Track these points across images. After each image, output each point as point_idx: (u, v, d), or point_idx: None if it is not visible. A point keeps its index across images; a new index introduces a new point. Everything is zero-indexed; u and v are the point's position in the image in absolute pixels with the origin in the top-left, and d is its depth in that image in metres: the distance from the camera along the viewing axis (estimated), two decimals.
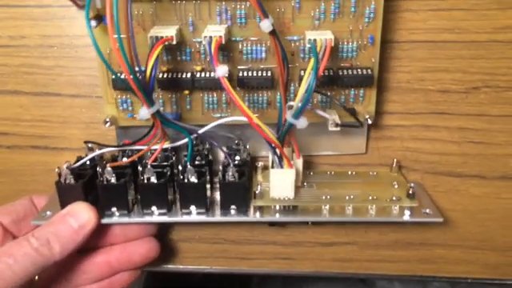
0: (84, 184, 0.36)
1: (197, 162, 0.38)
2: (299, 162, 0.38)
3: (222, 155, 0.40)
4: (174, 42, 0.34)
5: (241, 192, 0.36)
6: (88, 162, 0.37)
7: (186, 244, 0.46)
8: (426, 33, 0.38)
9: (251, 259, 0.46)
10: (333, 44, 0.33)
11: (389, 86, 0.40)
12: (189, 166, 0.36)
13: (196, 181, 0.36)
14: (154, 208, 0.37)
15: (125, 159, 0.38)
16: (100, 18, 0.34)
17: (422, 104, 0.40)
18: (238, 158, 0.38)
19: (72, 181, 0.35)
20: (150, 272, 0.47)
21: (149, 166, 0.36)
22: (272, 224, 0.44)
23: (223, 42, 0.33)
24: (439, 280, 0.47)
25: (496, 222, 0.44)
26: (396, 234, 0.45)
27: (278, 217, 0.37)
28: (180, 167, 0.36)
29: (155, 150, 0.36)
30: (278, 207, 0.37)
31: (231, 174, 0.36)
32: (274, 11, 0.35)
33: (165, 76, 0.36)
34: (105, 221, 0.37)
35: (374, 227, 0.44)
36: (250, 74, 0.37)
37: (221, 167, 0.37)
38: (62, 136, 0.42)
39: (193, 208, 0.37)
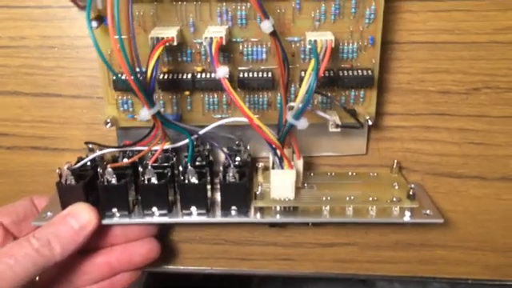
0: (85, 185, 0.36)
1: (197, 163, 0.38)
2: (300, 163, 0.38)
3: (222, 156, 0.40)
4: (175, 43, 0.34)
5: (241, 193, 0.36)
6: (89, 163, 0.37)
7: (186, 245, 0.46)
8: (426, 34, 0.38)
9: (252, 260, 0.46)
10: (333, 45, 0.33)
11: (389, 86, 0.40)
12: (189, 167, 0.36)
13: (197, 181, 0.36)
14: (154, 209, 0.37)
15: (125, 160, 0.38)
16: (101, 18, 0.34)
17: (422, 105, 0.40)
18: (238, 158, 0.38)
19: (73, 181, 0.35)
20: (151, 273, 0.47)
21: (149, 167, 0.36)
22: (272, 225, 0.44)
23: (224, 42, 0.33)
24: (439, 281, 0.47)
25: (496, 223, 0.44)
26: (396, 234, 0.45)
27: (278, 218, 0.37)
28: (181, 168, 0.36)
29: (156, 150, 0.36)
30: (278, 208, 0.37)
31: (232, 175, 0.36)
32: (274, 12, 0.35)
33: (165, 77, 0.36)
34: (105, 221, 0.37)
35: (374, 228, 0.44)
36: (250, 74, 0.37)
37: (221, 168, 0.37)
38: (62, 137, 0.42)
39: (193, 209, 0.37)
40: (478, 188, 0.43)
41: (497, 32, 0.38)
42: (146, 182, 0.36)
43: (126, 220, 0.37)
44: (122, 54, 0.30)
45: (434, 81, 0.40)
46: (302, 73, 0.36)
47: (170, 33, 0.34)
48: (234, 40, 0.36)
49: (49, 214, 0.37)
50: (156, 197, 0.37)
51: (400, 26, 0.38)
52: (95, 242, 0.38)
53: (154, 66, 0.32)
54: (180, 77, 0.37)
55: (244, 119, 0.33)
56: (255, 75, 0.37)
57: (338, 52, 0.37)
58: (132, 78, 0.30)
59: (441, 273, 0.46)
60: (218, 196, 0.37)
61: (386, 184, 0.40)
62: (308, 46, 0.34)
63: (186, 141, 0.36)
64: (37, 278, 0.36)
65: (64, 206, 0.36)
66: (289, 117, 0.33)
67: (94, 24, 0.34)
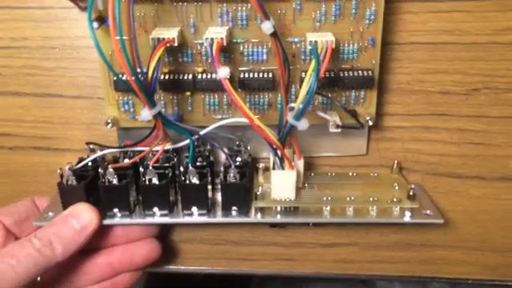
0: (86, 185, 0.36)
1: (198, 163, 0.38)
2: (300, 163, 0.38)
3: (223, 156, 0.40)
4: (176, 44, 0.34)
5: (242, 193, 0.36)
6: (90, 163, 0.37)
7: (187, 245, 0.46)
8: (426, 34, 0.38)
9: (252, 260, 0.46)
10: (334, 46, 0.33)
11: (389, 87, 0.40)
12: (190, 168, 0.36)
13: (197, 182, 0.36)
14: (155, 209, 0.37)
15: (126, 160, 0.38)
16: (102, 19, 0.34)
17: (422, 105, 0.40)
18: (239, 159, 0.38)
19: (74, 182, 0.35)
20: (152, 273, 0.47)
21: (150, 168, 0.36)
22: (273, 225, 0.44)
23: (224, 43, 0.33)
24: (439, 281, 0.48)
25: (495, 223, 0.44)
26: (396, 235, 0.45)
27: (279, 218, 0.37)
28: (181, 168, 0.37)
29: (157, 151, 0.36)
30: (279, 208, 0.37)
31: (232, 176, 0.36)
32: (275, 13, 0.35)
33: (166, 77, 0.37)
34: (106, 222, 0.37)
35: (374, 228, 0.44)
36: (251, 75, 0.37)
37: (222, 168, 0.37)
38: (63, 137, 0.42)
39: (194, 209, 0.37)
40: (478, 188, 0.43)
41: (497, 33, 0.38)
42: (147, 182, 0.36)
43: (127, 220, 0.37)
44: (123, 55, 0.30)
45: (434, 81, 0.40)
46: (303, 73, 0.36)
47: (171, 33, 0.34)
48: (235, 41, 0.36)
49: (50, 214, 0.37)
50: (157, 197, 0.37)
51: (400, 27, 0.38)
52: (96, 242, 0.38)
53: (155, 66, 0.32)
54: (181, 77, 0.37)
55: (245, 120, 0.33)
56: (256, 76, 0.37)
57: (339, 53, 0.37)
58: (133, 78, 0.30)
59: (440, 273, 0.46)
60: (219, 196, 0.37)
61: (387, 184, 0.40)
62: (308, 47, 0.34)
63: (187, 141, 0.36)
64: (38, 278, 0.36)
65: (65, 206, 0.36)
66: (289, 117, 0.33)
67: (95, 25, 0.34)
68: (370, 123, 0.38)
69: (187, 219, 0.37)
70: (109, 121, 0.38)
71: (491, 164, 0.42)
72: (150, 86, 0.32)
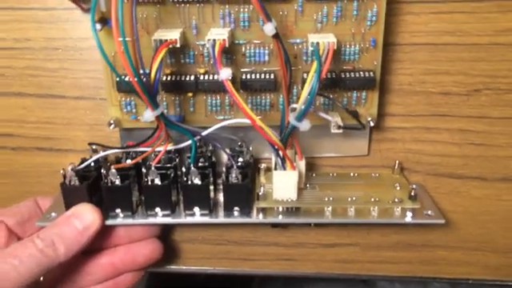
0: (88, 185, 0.36)
1: (200, 164, 0.38)
2: (302, 164, 0.38)
3: (225, 157, 0.40)
4: (178, 45, 0.34)
5: (244, 194, 0.37)
6: (92, 164, 0.37)
7: (189, 245, 0.46)
8: (428, 35, 0.39)
9: (254, 260, 0.46)
10: (335, 47, 0.33)
11: (391, 88, 0.40)
12: (192, 168, 0.36)
13: (199, 182, 0.36)
14: (157, 209, 0.37)
15: (129, 161, 0.38)
16: (105, 21, 0.35)
17: (423, 106, 0.41)
18: (241, 159, 0.38)
19: (77, 182, 0.36)
20: (153, 273, 0.47)
21: (153, 168, 0.36)
22: (275, 225, 0.44)
23: (227, 45, 0.34)
24: (440, 281, 0.48)
25: (497, 223, 0.44)
26: (398, 235, 0.45)
27: (280, 218, 0.37)
28: (184, 169, 0.37)
29: (159, 151, 0.36)
30: (280, 209, 0.38)
31: (234, 176, 0.36)
32: (276, 14, 0.35)
33: (168, 78, 0.37)
34: (109, 222, 0.37)
35: (376, 228, 0.45)
36: (253, 76, 0.37)
37: (224, 169, 0.37)
38: (66, 138, 0.42)
39: (196, 209, 0.37)
40: (479, 189, 0.43)
41: (497, 34, 0.38)
42: (150, 182, 0.36)
43: (130, 221, 0.37)
44: (125, 56, 0.30)
45: (435, 82, 0.40)
46: (305, 74, 0.37)
47: (173, 35, 0.34)
48: (237, 42, 0.36)
49: (53, 214, 0.37)
50: (159, 197, 0.37)
51: (401, 28, 0.38)
52: (99, 242, 0.39)
53: (158, 68, 0.32)
54: (183, 78, 0.37)
55: (247, 120, 0.33)
56: (258, 77, 0.37)
57: (340, 54, 0.37)
58: (136, 79, 0.31)
59: (441, 273, 0.46)
60: (221, 197, 0.38)
61: (388, 185, 0.40)
62: (310, 48, 0.34)
63: (189, 142, 0.36)
64: (41, 279, 0.36)
65: (68, 206, 0.36)
66: (291, 118, 0.33)
67: (98, 26, 0.34)
68: (372, 124, 0.38)
69: (189, 219, 0.37)
70: (111, 121, 0.38)
71: (492, 165, 0.42)
72: (153, 87, 0.32)
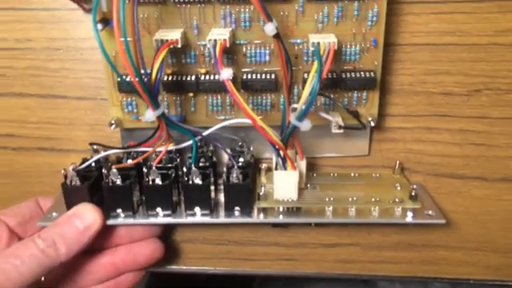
0: (89, 185, 0.36)
1: (201, 164, 0.38)
2: (303, 164, 0.38)
3: (225, 157, 0.40)
4: (179, 45, 0.34)
5: (245, 194, 0.37)
6: (93, 164, 0.37)
7: (189, 245, 0.46)
8: (428, 36, 0.39)
9: (255, 260, 0.46)
10: (336, 47, 0.33)
11: (391, 88, 0.40)
12: (193, 168, 0.36)
13: (200, 182, 0.36)
14: (158, 209, 0.37)
15: (130, 161, 0.38)
16: (106, 21, 0.35)
17: (424, 106, 0.41)
18: (241, 159, 0.38)
19: (78, 182, 0.36)
20: (154, 273, 0.47)
21: (154, 168, 0.36)
22: (275, 225, 0.44)
23: (227, 45, 0.34)
24: (441, 281, 0.48)
25: (497, 223, 0.44)
26: (398, 235, 0.45)
27: (281, 218, 0.37)
28: (184, 169, 0.37)
29: (160, 151, 0.37)
30: (281, 209, 0.38)
31: (235, 176, 0.36)
32: (277, 14, 0.36)
33: (169, 78, 0.37)
34: (110, 222, 0.37)
35: (376, 228, 0.45)
36: (254, 76, 0.37)
37: (225, 169, 0.37)
38: (67, 138, 0.42)
39: (197, 209, 0.37)
40: (479, 189, 0.43)
41: (497, 34, 0.38)
42: (151, 182, 0.36)
43: (131, 220, 0.37)
44: (127, 56, 0.30)
45: (436, 82, 0.40)
46: (305, 74, 0.37)
47: (174, 35, 0.34)
48: (238, 42, 0.36)
49: (54, 214, 0.37)
50: (160, 197, 0.37)
51: (402, 28, 0.38)
52: (100, 242, 0.39)
53: (159, 68, 0.33)
54: (184, 78, 0.37)
55: (247, 120, 0.33)
56: (258, 77, 0.37)
57: (341, 54, 0.37)
58: (137, 79, 0.31)
59: (442, 273, 0.46)
60: (222, 197, 0.38)
61: (389, 185, 0.40)
62: (311, 49, 0.34)
63: (190, 142, 0.36)
64: (42, 278, 0.36)
65: (69, 206, 0.36)
66: (292, 118, 0.33)
67: (99, 26, 0.34)
68: (372, 124, 0.38)
69: (190, 219, 0.37)
70: (112, 122, 0.38)
71: (493, 165, 0.42)
72: (154, 88, 0.33)
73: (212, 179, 0.38)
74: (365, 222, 0.40)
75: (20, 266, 0.32)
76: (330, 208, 0.37)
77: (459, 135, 0.41)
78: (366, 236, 0.45)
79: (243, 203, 0.37)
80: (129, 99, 0.38)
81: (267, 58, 0.37)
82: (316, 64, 0.32)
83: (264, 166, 0.41)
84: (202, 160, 0.38)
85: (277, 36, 0.32)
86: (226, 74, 0.32)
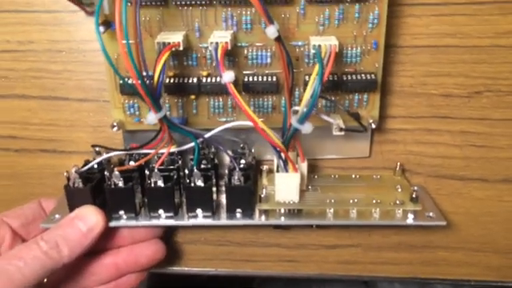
0: (92, 188, 0.36)
1: (203, 166, 0.38)
2: (304, 166, 0.38)
3: (227, 159, 0.40)
4: (181, 48, 0.34)
5: (246, 196, 0.37)
6: (96, 166, 0.38)
7: (191, 246, 0.46)
8: (429, 38, 0.39)
9: (256, 261, 0.46)
10: (337, 50, 0.34)
11: (392, 90, 0.40)
12: (195, 170, 0.36)
13: (202, 184, 0.36)
14: (160, 211, 0.37)
15: (132, 163, 0.38)
16: (108, 23, 0.35)
17: (424, 108, 0.41)
18: (243, 161, 0.38)
19: (80, 184, 0.36)
20: (156, 273, 0.47)
21: (156, 170, 0.36)
22: (277, 227, 0.44)
23: (229, 47, 0.34)
24: (441, 282, 0.48)
25: (498, 224, 0.44)
26: (399, 236, 0.45)
27: (283, 220, 0.38)
28: (186, 171, 0.37)
29: (162, 153, 0.37)
30: (282, 211, 0.38)
31: (237, 178, 0.36)
32: (279, 17, 0.36)
33: (171, 81, 0.37)
34: (112, 224, 0.37)
35: (377, 230, 0.45)
36: (255, 78, 0.37)
37: (226, 171, 0.37)
38: (69, 139, 0.42)
39: (199, 211, 0.37)
40: (480, 190, 0.43)
41: (498, 36, 0.38)
42: (153, 184, 0.36)
43: (133, 222, 0.37)
44: (129, 59, 0.30)
45: (437, 84, 0.40)
46: (306, 77, 0.37)
47: (176, 38, 0.34)
48: (239, 44, 0.37)
49: (57, 216, 0.37)
50: (162, 199, 0.37)
51: (403, 30, 0.38)
52: (102, 243, 0.39)
53: (161, 71, 0.33)
54: (186, 81, 0.37)
55: (249, 123, 0.33)
56: (260, 79, 0.37)
57: (342, 56, 0.37)
58: (139, 82, 0.31)
59: (443, 274, 0.46)
60: (223, 198, 0.38)
61: (389, 186, 0.40)
62: (312, 51, 0.34)
63: (192, 144, 0.36)
64: (45, 280, 0.36)
65: (72, 208, 0.36)
66: (293, 121, 0.33)
67: (101, 29, 0.34)
68: (373, 126, 0.38)
69: (192, 221, 0.37)
70: (114, 124, 0.38)
71: (494, 166, 0.42)
72: (156, 90, 0.33)
73: (214, 181, 0.38)
74: (366, 224, 0.40)
75: (23, 267, 0.32)
76: (331, 210, 0.37)
77: (460, 137, 0.41)
78: (367, 237, 0.45)
79: (245, 205, 0.37)
80: (131, 101, 0.38)
81: (268, 60, 0.37)
82: (317, 67, 0.32)
83: (265, 167, 0.41)
84: (204, 162, 0.38)
85: (278, 39, 0.32)
86: (228, 77, 0.32)
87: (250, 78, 0.37)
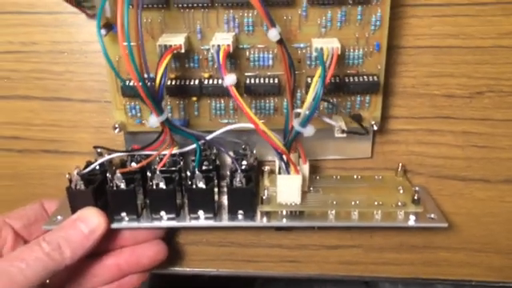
0: (94, 189, 0.36)
1: (204, 167, 0.38)
2: (306, 168, 0.38)
3: (229, 160, 0.40)
4: (183, 51, 0.34)
5: (248, 197, 0.37)
6: (97, 168, 0.38)
7: (193, 247, 0.46)
8: (432, 38, 0.39)
9: (258, 262, 0.47)
10: (339, 52, 0.33)
11: (394, 90, 0.40)
12: (197, 172, 0.36)
13: (204, 186, 0.36)
14: (162, 213, 0.37)
15: (133, 164, 0.38)
16: (109, 26, 0.35)
17: (427, 108, 0.41)
18: (244, 162, 0.38)
19: (82, 186, 0.36)
20: (157, 274, 0.48)
21: (158, 172, 0.36)
22: (279, 228, 0.44)
23: (231, 50, 0.34)
24: (443, 283, 0.48)
25: (500, 225, 0.44)
26: (400, 237, 0.45)
27: (284, 222, 0.38)
28: (188, 173, 0.37)
29: (164, 155, 0.37)
30: (284, 212, 0.38)
31: (239, 180, 0.36)
32: (280, 19, 0.35)
33: (173, 83, 0.37)
34: (114, 226, 0.37)
35: (378, 231, 0.45)
36: (257, 80, 0.37)
37: (228, 172, 0.37)
38: (71, 140, 0.42)
39: (201, 213, 0.37)
40: (482, 190, 0.43)
41: (501, 36, 0.38)
42: (155, 186, 0.36)
43: (135, 224, 0.37)
44: (130, 61, 0.30)
45: (439, 84, 0.40)
46: (308, 79, 0.37)
47: (178, 40, 0.34)
48: (241, 46, 0.36)
49: (59, 217, 0.37)
50: (164, 201, 0.37)
51: (405, 31, 0.38)
52: (105, 244, 0.39)
53: (163, 74, 0.33)
54: (187, 83, 0.37)
55: (251, 125, 0.33)
56: (262, 81, 0.37)
57: (344, 58, 0.37)
58: (140, 84, 0.31)
59: (444, 274, 0.46)
60: (225, 200, 0.38)
61: (391, 187, 0.40)
62: (314, 54, 0.34)
63: (194, 146, 0.36)
64: (47, 281, 0.36)
65: (74, 210, 0.36)
66: (295, 124, 0.33)
67: (103, 32, 0.34)
68: (375, 128, 0.38)
69: (194, 223, 0.37)
70: (116, 125, 0.38)
71: (496, 167, 0.42)
72: (158, 94, 0.33)
73: (215, 183, 0.38)
74: (368, 226, 0.40)
75: (25, 269, 0.33)
76: (333, 212, 0.38)
77: (462, 137, 0.41)
78: (368, 238, 0.45)
79: (247, 207, 0.37)
80: (132, 103, 0.38)
81: (270, 62, 0.37)
82: (319, 69, 0.32)
83: (267, 168, 0.41)
84: (206, 163, 0.38)
85: (280, 41, 0.32)
86: (230, 79, 0.32)
87: (252, 80, 0.37)
